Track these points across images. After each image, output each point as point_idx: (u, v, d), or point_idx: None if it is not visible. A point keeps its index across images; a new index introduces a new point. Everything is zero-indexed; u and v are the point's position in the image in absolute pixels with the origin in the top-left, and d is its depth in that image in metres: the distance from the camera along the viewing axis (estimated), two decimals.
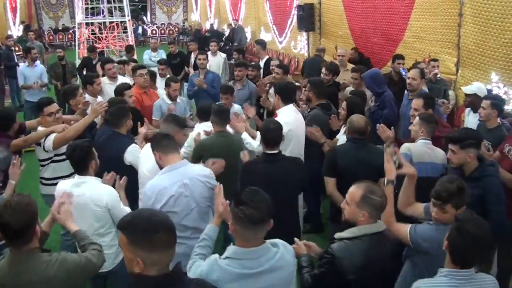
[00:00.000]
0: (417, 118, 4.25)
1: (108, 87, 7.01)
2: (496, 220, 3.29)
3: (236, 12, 20.10)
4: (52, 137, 4.60)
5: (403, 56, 8.18)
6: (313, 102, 5.62)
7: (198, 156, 4.53)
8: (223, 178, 3.77)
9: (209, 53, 9.97)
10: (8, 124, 4.69)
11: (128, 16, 14.48)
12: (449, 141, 3.62)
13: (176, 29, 27.54)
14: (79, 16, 14.86)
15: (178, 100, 6.51)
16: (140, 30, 26.08)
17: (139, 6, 31.62)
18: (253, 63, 8.66)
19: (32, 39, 14.17)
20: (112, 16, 14.16)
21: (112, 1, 13.99)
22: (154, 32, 27.24)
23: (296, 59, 14.94)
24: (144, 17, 29.84)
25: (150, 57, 11.11)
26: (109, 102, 5.23)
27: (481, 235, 2.36)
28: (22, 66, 9.76)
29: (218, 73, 8.81)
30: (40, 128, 4.78)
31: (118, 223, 2.04)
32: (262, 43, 9.74)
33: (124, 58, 10.57)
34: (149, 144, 3.99)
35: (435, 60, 7.30)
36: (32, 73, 9.37)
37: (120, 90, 5.86)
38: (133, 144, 4.52)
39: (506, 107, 7.21)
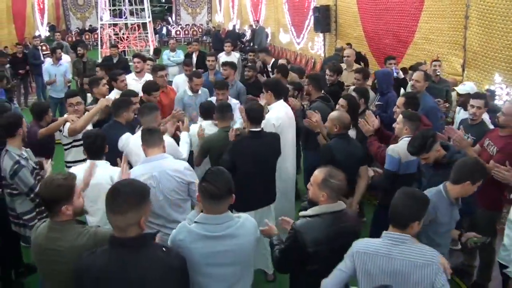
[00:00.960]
0: (401, 116, 4.46)
1: (134, 83, 7.32)
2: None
3: (257, 13, 20.46)
4: (67, 125, 5.11)
5: (394, 57, 8.33)
6: (313, 95, 5.93)
7: (205, 151, 4.90)
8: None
9: (223, 53, 10.35)
10: (42, 115, 5.30)
11: (149, 17, 14.99)
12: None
13: (200, 29, 28.03)
14: (105, 16, 15.48)
15: (199, 91, 6.82)
16: (164, 31, 26.67)
17: (165, 7, 32.36)
18: (249, 64, 8.89)
19: (58, 39, 14.79)
20: (134, 18, 14.67)
21: (133, 3, 14.49)
22: (178, 32, 27.79)
23: (313, 60, 15.20)
24: (169, 18, 30.45)
25: (169, 57, 11.52)
26: (121, 95, 5.67)
27: (409, 200, 2.73)
28: (47, 64, 10.35)
29: None
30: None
31: None
32: (266, 51, 10.05)
33: (150, 57, 10.96)
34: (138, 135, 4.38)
35: (437, 60, 7.47)
36: (56, 70, 9.90)
37: (148, 90, 6.05)
38: (127, 133, 4.80)
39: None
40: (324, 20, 13.50)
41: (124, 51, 13.71)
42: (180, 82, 7.79)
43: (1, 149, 4.29)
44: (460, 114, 5.82)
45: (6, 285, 4.79)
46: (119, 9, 15.16)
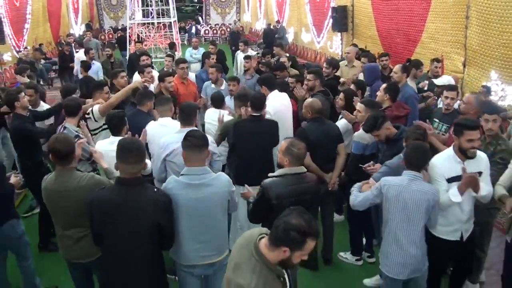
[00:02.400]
0: (360, 104, 5.06)
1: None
2: None
3: (281, 13, 21.06)
4: (96, 108, 5.72)
5: (387, 54, 8.83)
6: (316, 88, 6.50)
7: (224, 134, 5.51)
8: None
9: (239, 51, 11.08)
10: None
11: (174, 17, 15.82)
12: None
13: (228, 29, 28.76)
14: (138, 16, 16.42)
15: (222, 87, 7.54)
16: (193, 30, 27.50)
17: (197, 7, 33.30)
18: (263, 60, 9.53)
19: (90, 37, 15.74)
20: (160, 18, 15.52)
21: (159, 4, 15.34)
22: (207, 32, 28.62)
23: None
24: (200, 18, 31.32)
25: (191, 54, 12.28)
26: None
27: (419, 149, 3.75)
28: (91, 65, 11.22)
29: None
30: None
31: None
32: (280, 46, 10.63)
33: (169, 53, 11.77)
34: (160, 122, 5.11)
35: (438, 61, 7.92)
36: (89, 70, 10.76)
37: (162, 76, 6.98)
38: (151, 121, 5.50)
39: (501, 103, 7.86)
40: (341, 20, 14.02)
41: (151, 48, 14.66)
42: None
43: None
44: (441, 104, 6.31)
45: (44, 247, 5.65)
46: (147, 9, 16.04)
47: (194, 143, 3.46)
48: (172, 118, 5.34)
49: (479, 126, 3.91)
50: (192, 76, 8.60)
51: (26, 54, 14.13)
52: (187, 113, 4.58)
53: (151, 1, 15.58)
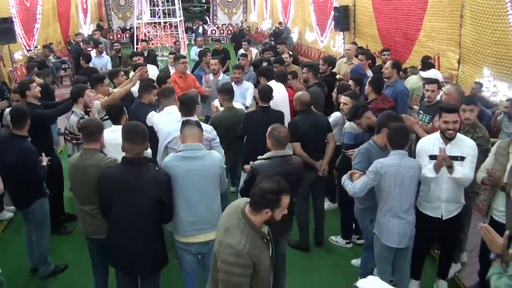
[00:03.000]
0: (344, 97, 5.43)
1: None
2: None
3: (286, 13, 21.42)
4: (98, 103, 6.08)
5: (388, 49, 9.58)
6: (310, 81, 6.97)
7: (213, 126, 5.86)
8: (230, 140, 5.60)
9: (242, 49, 11.50)
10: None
11: (180, 17, 16.25)
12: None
13: (234, 29, 29.13)
14: (146, 16, 16.85)
15: (220, 77, 8.02)
16: (200, 30, 27.93)
17: (205, 7, 33.77)
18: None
19: (99, 36, 16.19)
20: (167, 17, 15.96)
21: (166, 4, 15.76)
22: (213, 31, 29.02)
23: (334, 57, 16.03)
24: (207, 18, 31.75)
25: (196, 52, 12.65)
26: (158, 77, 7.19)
27: (400, 130, 4.15)
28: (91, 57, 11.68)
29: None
30: None
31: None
32: (284, 43, 11.02)
33: (173, 51, 12.21)
34: (166, 111, 5.54)
35: (386, 50, 8.39)
36: (99, 62, 11.31)
37: (162, 79, 7.14)
38: (152, 112, 5.88)
39: (493, 98, 8.17)
40: (344, 19, 14.36)
41: (157, 47, 15.12)
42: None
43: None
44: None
45: (55, 230, 5.89)
46: (154, 9, 16.48)
47: (190, 122, 3.97)
48: None
49: (455, 110, 4.24)
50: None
51: (36, 53, 14.59)
52: (187, 105, 4.96)
53: (157, 1, 16.01)
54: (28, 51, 15.87)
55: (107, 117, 5.95)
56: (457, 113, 4.25)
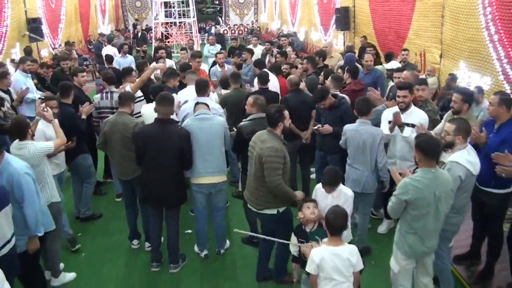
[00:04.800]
0: (330, 78, 6.79)
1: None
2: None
3: (294, 14, 22.61)
4: (128, 88, 7.25)
5: (373, 45, 10.98)
6: (309, 70, 8.30)
7: (223, 104, 7.20)
8: (237, 114, 6.75)
9: (251, 45, 12.77)
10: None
11: (194, 17, 17.64)
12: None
13: (246, 29, 30.47)
14: (161, 17, 18.23)
15: (225, 68, 9.49)
16: (213, 30, 29.21)
17: (218, 9, 35.12)
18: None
19: (119, 36, 17.60)
20: (182, 18, 17.36)
21: (181, 6, 17.15)
22: (225, 32, 30.29)
23: None
24: (220, 18, 33.06)
25: (209, 50, 13.97)
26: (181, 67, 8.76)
27: (364, 100, 5.46)
28: (117, 57, 12.99)
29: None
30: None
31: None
32: (292, 44, 12.47)
33: (184, 47, 13.59)
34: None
35: (405, 50, 9.56)
36: (124, 62, 12.56)
37: (185, 67, 8.71)
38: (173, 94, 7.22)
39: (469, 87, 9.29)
40: (344, 19, 15.49)
41: (173, 45, 16.61)
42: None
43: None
44: (390, 83, 7.86)
45: (94, 192, 7.16)
46: (169, 10, 17.88)
47: (201, 103, 5.45)
48: None
49: (405, 88, 5.47)
50: (204, 67, 10.34)
51: (61, 51, 15.94)
52: (201, 86, 6.25)
53: (174, 4, 17.37)
54: (53, 49, 17.23)
55: (139, 99, 7.30)
56: (407, 90, 5.45)
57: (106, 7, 27.49)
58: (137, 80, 7.56)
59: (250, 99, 5.52)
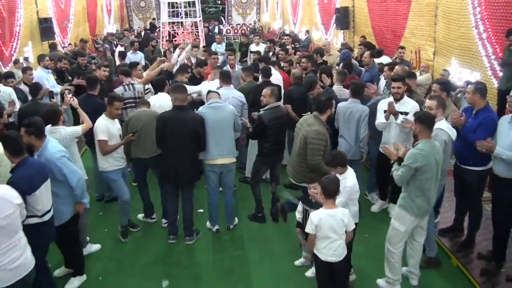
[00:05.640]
0: (335, 73, 7.47)
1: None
2: None
3: (295, 14, 23.22)
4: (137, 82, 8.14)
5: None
6: (309, 68, 8.83)
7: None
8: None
9: (254, 44, 13.41)
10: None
11: (199, 17, 18.32)
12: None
13: (248, 28, 31.10)
14: (165, 16, 18.91)
15: (236, 68, 9.99)
16: (216, 29, 29.84)
17: (220, 8, 35.75)
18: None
19: (128, 36, 18.33)
20: (187, 18, 18.06)
21: (187, 6, 17.84)
22: (228, 31, 30.99)
23: None
24: (222, 18, 33.68)
25: (216, 48, 14.58)
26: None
27: (357, 85, 6.62)
28: (128, 54, 13.67)
29: None
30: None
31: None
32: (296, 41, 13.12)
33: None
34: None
35: (402, 47, 10.16)
36: (134, 58, 13.13)
37: (201, 63, 9.44)
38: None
39: (459, 83, 9.88)
40: (344, 19, 16.07)
41: (179, 43, 17.28)
42: None
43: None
44: (381, 77, 8.48)
45: None
46: (176, 10, 18.57)
47: (213, 91, 6.14)
48: None
49: (399, 79, 6.12)
50: None
51: (70, 49, 16.56)
52: (225, 76, 7.11)
53: (180, 4, 18.06)
54: (63, 47, 17.85)
55: (148, 90, 7.93)
56: (400, 82, 6.08)
57: (111, 7, 28.14)
58: (144, 74, 8.38)
59: (267, 91, 6.16)
